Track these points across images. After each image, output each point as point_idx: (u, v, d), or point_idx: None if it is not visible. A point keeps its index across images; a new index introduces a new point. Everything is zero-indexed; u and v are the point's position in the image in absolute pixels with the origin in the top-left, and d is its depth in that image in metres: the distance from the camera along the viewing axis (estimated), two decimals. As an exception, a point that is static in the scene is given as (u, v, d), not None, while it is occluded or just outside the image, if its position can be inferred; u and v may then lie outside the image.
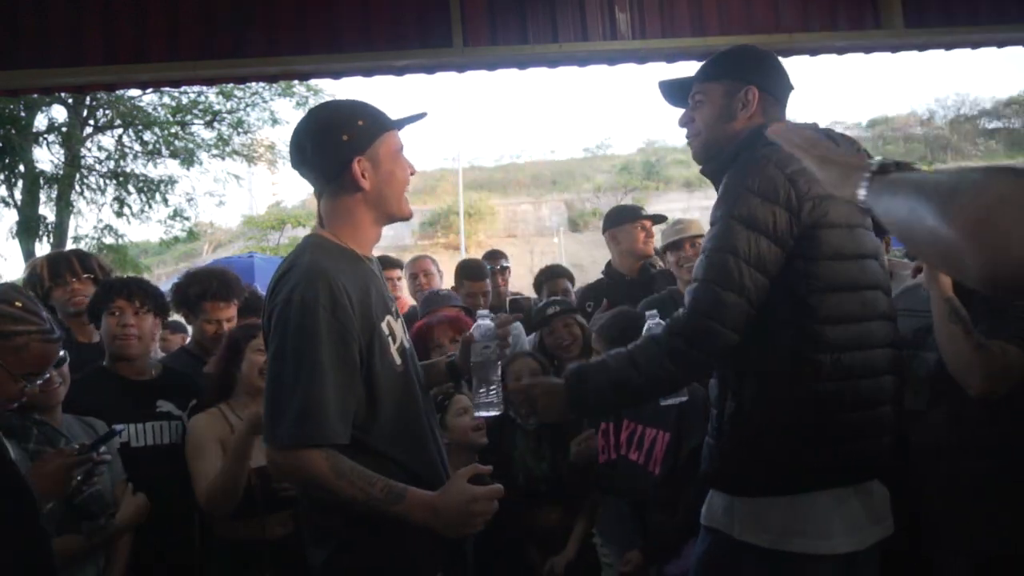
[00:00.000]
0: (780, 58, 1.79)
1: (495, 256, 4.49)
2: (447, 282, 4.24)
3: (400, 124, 1.68)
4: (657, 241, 3.67)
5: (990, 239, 0.70)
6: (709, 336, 1.51)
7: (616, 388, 1.61)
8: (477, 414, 1.95)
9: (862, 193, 1.01)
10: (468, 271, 3.94)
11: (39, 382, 1.63)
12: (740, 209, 1.51)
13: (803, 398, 1.51)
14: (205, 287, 2.79)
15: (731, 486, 1.61)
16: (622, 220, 3.60)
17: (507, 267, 4.43)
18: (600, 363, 1.67)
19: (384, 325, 1.61)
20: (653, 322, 1.89)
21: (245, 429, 2.15)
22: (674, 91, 1.84)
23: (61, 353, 2.02)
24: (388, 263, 4.01)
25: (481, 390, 1.78)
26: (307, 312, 1.46)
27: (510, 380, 2.64)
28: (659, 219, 3.67)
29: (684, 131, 1.80)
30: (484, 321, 1.81)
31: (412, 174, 1.70)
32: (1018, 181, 0.71)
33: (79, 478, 1.81)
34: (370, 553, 1.54)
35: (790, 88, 1.75)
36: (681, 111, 1.82)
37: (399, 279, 4.11)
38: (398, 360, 1.62)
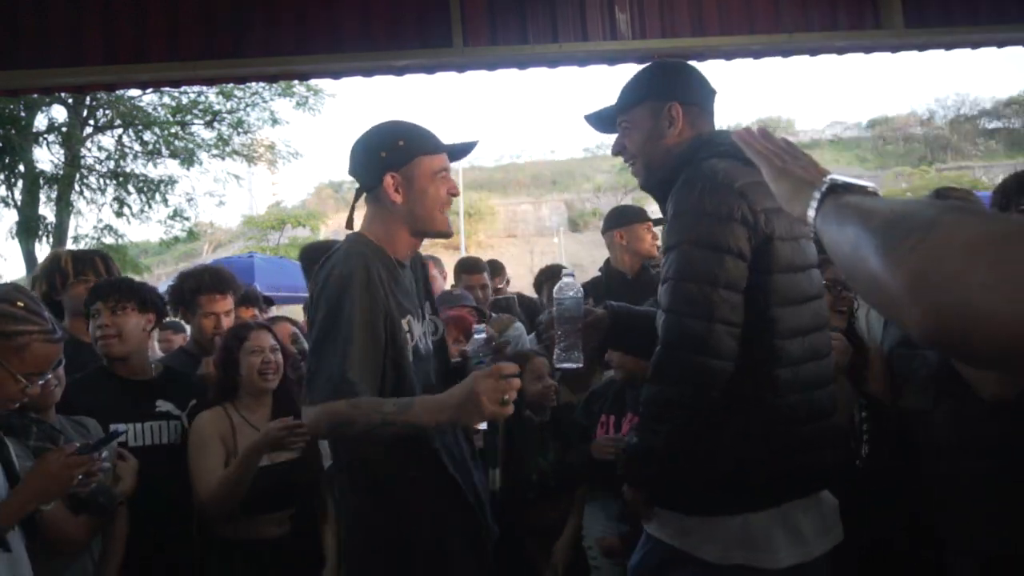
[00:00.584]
0: (697, 64, 1.81)
1: (496, 270, 4.48)
2: (449, 282, 4.26)
3: (445, 148, 1.85)
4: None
5: (928, 296, 0.61)
6: (698, 371, 1.46)
7: (648, 458, 1.58)
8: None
9: (811, 214, 0.97)
10: (465, 266, 4.04)
11: (40, 382, 1.64)
12: (698, 233, 1.49)
13: (762, 413, 1.50)
14: (198, 282, 2.80)
15: (681, 505, 1.57)
16: (631, 220, 3.61)
17: (508, 279, 4.45)
18: (637, 445, 1.61)
19: (404, 322, 1.75)
20: (568, 280, 1.81)
21: (260, 442, 2.16)
22: (601, 122, 1.84)
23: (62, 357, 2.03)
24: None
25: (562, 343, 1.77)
26: (343, 285, 1.66)
27: (528, 379, 2.66)
28: (660, 222, 3.67)
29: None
30: (479, 335, 1.83)
31: (454, 195, 1.84)
32: (970, 224, 0.62)
33: (79, 477, 1.81)
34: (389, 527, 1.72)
35: (712, 94, 1.74)
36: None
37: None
38: (410, 358, 1.74)
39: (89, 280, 2.75)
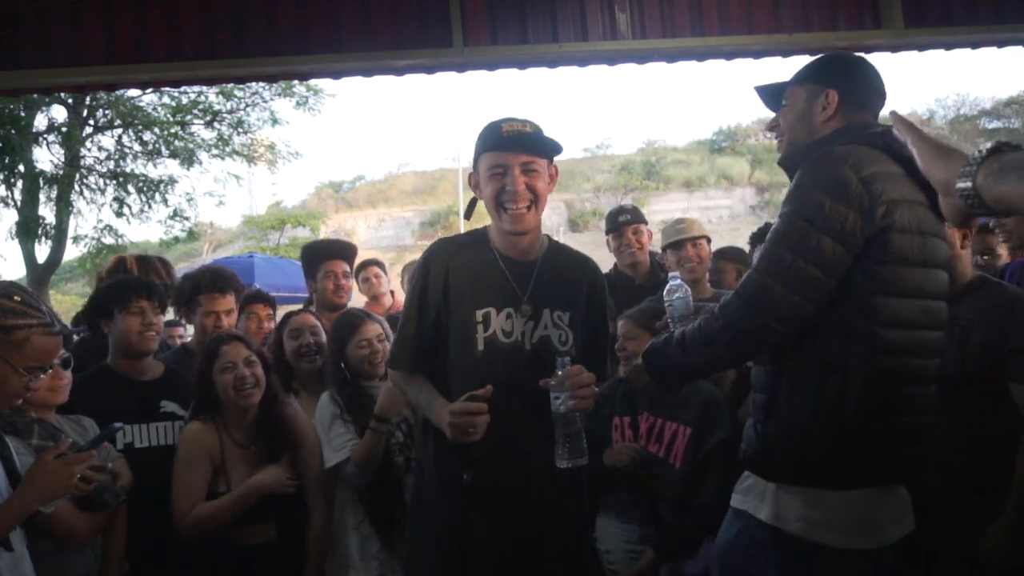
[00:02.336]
0: (870, 59, 1.84)
1: None
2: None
3: (500, 145, 1.90)
4: (657, 241, 3.67)
5: None
6: (759, 330, 1.51)
7: (677, 369, 1.70)
8: (559, 464, 1.78)
9: (978, 179, 1.03)
10: None
11: (43, 376, 1.64)
12: (807, 207, 1.51)
13: (852, 397, 1.50)
14: (198, 281, 2.83)
15: (769, 472, 1.60)
16: (608, 228, 3.66)
17: None
18: (662, 344, 1.72)
19: (480, 313, 1.89)
20: (675, 283, 1.91)
21: (253, 488, 2.23)
22: (769, 96, 1.87)
23: (65, 355, 2.03)
24: (368, 263, 4.43)
25: (559, 442, 1.76)
26: (415, 272, 2.01)
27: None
28: (627, 224, 3.61)
29: (764, 127, 1.92)
30: (559, 370, 1.74)
31: (510, 192, 1.87)
32: None
33: (78, 476, 1.81)
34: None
35: (880, 95, 1.73)
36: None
37: (376, 277, 4.37)
38: (480, 346, 1.88)
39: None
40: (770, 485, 1.59)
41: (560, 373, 1.74)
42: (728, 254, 3.85)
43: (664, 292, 1.90)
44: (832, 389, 1.51)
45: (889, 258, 1.50)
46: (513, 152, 1.88)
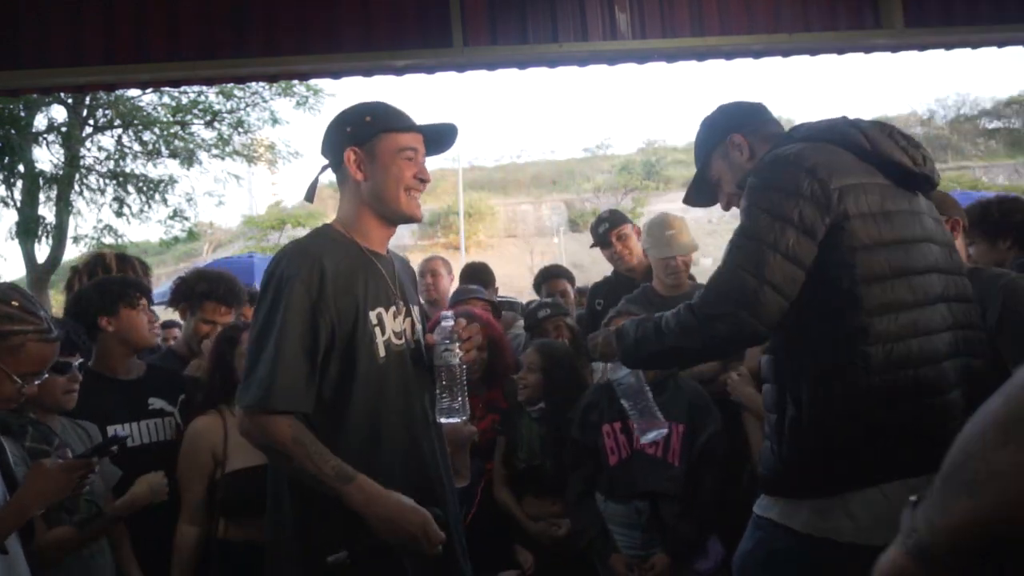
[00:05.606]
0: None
1: (487, 283, 4.45)
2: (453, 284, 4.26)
3: (417, 128, 1.78)
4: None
5: None
6: (735, 324, 1.50)
7: (649, 354, 1.68)
8: (439, 419, 1.76)
9: None
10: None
11: (37, 382, 1.63)
12: (766, 202, 1.52)
13: (858, 393, 1.47)
14: (212, 287, 2.81)
15: (793, 491, 1.56)
16: (595, 243, 3.70)
17: (497, 290, 4.44)
18: (635, 322, 1.72)
19: (374, 315, 1.71)
20: (612, 364, 1.89)
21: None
22: (701, 195, 1.94)
23: (79, 360, 2.03)
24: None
25: (442, 395, 1.73)
26: (284, 286, 1.62)
27: (523, 370, 2.75)
28: (614, 226, 3.65)
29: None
30: (445, 322, 1.75)
31: (421, 179, 1.77)
32: None
33: (78, 480, 1.81)
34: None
35: (759, 107, 1.86)
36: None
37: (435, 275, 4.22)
38: (381, 352, 1.70)
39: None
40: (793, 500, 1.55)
41: (448, 325, 1.74)
42: None
43: (608, 373, 1.90)
44: (841, 389, 1.49)
45: (858, 244, 1.49)
46: (420, 137, 1.80)
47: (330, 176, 1.88)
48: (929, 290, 1.54)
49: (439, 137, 1.86)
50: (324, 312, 1.63)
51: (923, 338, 1.50)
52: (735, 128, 1.79)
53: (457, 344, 1.73)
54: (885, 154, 1.59)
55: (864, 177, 1.55)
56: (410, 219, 1.80)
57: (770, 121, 1.83)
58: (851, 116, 1.70)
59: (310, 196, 1.93)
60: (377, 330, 1.70)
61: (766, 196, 1.53)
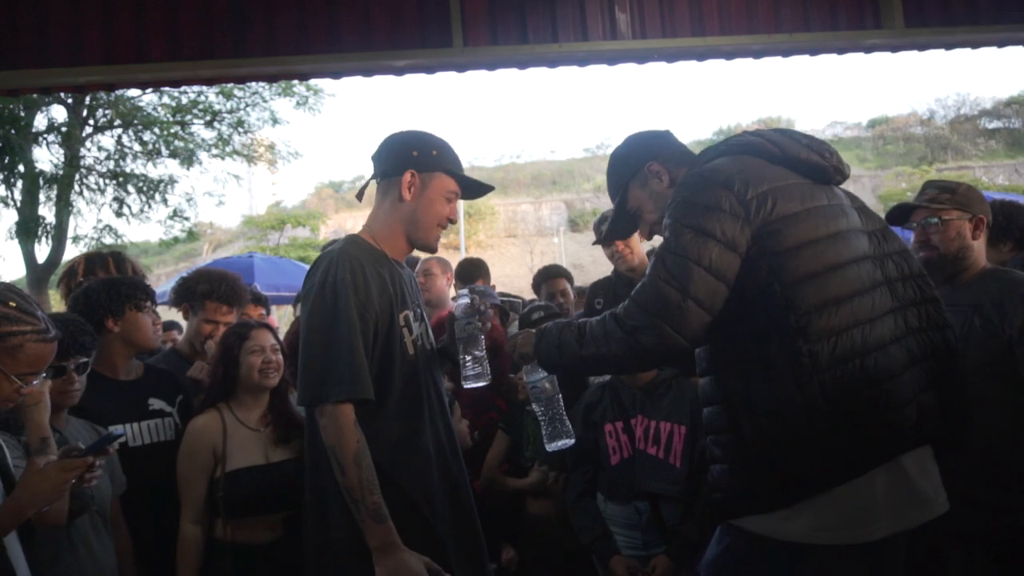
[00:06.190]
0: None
1: (482, 271, 4.49)
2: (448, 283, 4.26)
3: (465, 180, 1.97)
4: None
5: None
6: (658, 338, 1.51)
7: (571, 359, 1.68)
8: (466, 386, 1.96)
9: None
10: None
11: (35, 382, 1.63)
12: (688, 219, 1.54)
13: (811, 393, 1.46)
14: (214, 287, 2.82)
15: (766, 506, 1.53)
16: (596, 241, 3.68)
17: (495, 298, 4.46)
18: (559, 326, 1.73)
19: (401, 317, 1.88)
20: (528, 366, 1.92)
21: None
22: (617, 231, 1.97)
23: (83, 360, 2.03)
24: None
25: (468, 362, 1.92)
26: (341, 288, 1.76)
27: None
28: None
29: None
30: (463, 300, 1.95)
31: (452, 221, 1.98)
32: None
33: (74, 480, 1.81)
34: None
35: (667, 133, 1.90)
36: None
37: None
38: (411, 350, 1.88)
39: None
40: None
41: (465, 301, 1.94)
42: None
43: (524, 374, 1.94)
44: (796, 393, 1.47)
45: (787, 246, 1.51)
46: (463, 194, 2.01)
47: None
48: (864, 278, 1.54)
49: (475, 190, 2.03)
50: (369, 313, 1.79)
51: (865, 326, 1.50)
52: (650, 157, 1.83)
53: (476, 316, 1.93)
54: (793, 154, 1.64)
55: (780, 180, 1.58)
56: (429, 250, 1.98)
57: (679, 146, 1.88)
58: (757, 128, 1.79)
59: (360, 196, 2.17)
60: (406, 331, 1.88)
61: (688, 212, 1.55)
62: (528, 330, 1.83)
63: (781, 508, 1.50)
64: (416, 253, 2.68)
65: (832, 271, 1.51)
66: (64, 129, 12.61)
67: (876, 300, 1.54)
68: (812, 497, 1.47)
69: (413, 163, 1.90)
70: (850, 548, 1.48)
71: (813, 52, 4.04)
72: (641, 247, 3.55)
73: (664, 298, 1.50)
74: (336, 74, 3.93)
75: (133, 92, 12.30)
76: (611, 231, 1.97)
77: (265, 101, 13.78)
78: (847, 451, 1.47)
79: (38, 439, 1.81)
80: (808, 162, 1.64)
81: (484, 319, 1.95)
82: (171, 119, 13.48)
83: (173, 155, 13.53)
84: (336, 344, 1.73)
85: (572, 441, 1.98)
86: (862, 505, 1.47)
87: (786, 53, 4.04)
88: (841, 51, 4.06)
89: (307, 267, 2.59)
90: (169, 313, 3.76)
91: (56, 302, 12.50)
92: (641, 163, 1.84)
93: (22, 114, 11.81)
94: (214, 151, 14.03)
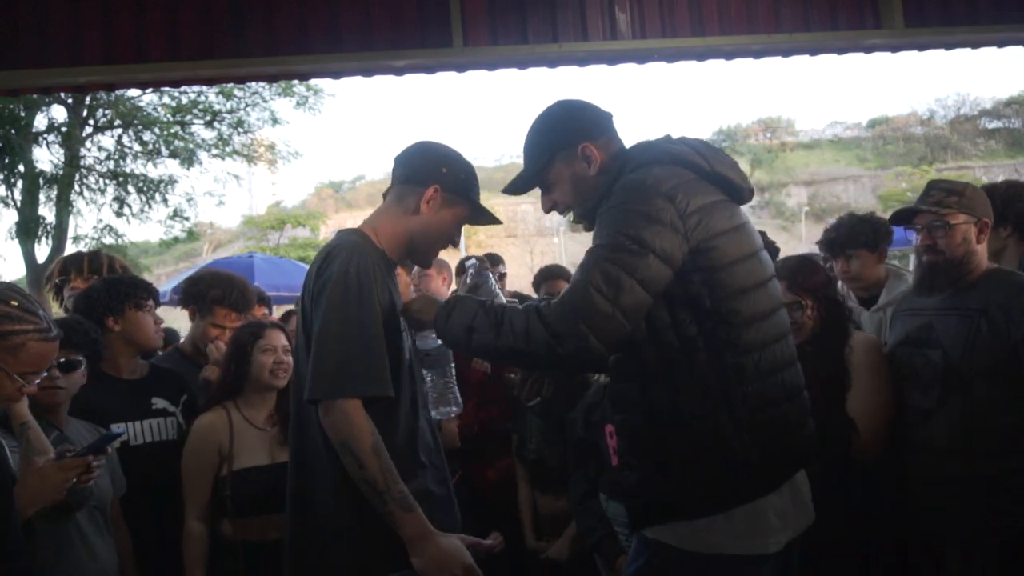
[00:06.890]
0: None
1: (494, 261, 4.52)
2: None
3: (483, 210, 1.93)
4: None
5: None
6: (577, 343, 1.47)
7: (480, 344, 1.60)
8: (433, 414, 1.85)
9: None
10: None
11: (37, 381, 1.63)
12: (627, 228, 1.51)
13: (735, 404, 1.50)
14: (225, 292, 2.80)
15: (688, 513, 1.53)
16: None
17: (504, 273, 4.47)
18: (475, 305, 1.63)
19: (401, 315, 1.82)
20: (471, 262, 1.97)
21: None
22: (524, 186, 1.89)
23: (77, 358, 2.03)
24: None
25: (433, 391, 1.82)
26: (364, 280, 1.66)
27: None
28: None
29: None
30: (471, 267, 1.90)
31: (454, 244, 1.95)
32: None
33: (73, 480, 1.81)
34: None
35: (609, 116, 1.79)
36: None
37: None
38: (406, 354, 1.81)
39: (72, 280, 2.90)
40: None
41: (480, 274, 1.90)
42: None
43: (417, 340, 1.88)
44: (722, 405, 1.50)
45: (722, 262, 1.52)
46: (470, 219, 1.97)
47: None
48: (776, 297, 1.63)
49: (481, 218, 1.98)
50: (387, 308, 1.74)
51: (782, 343, 1.59)
52: (587, 137, 1.72)
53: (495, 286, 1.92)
54: (721, 172, 1.64)
55: (711, 196, 1.59)
56: (424, 265, 1.96)
57: (614, 133, 1.78)
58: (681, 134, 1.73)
59: (386, 196, 2.08)
60: (404, 333, 1.82)
61: (629, 221, 1.51)
62: (428, 295, 1.81)
63: (701, 517, 1.51)
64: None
65: (759, 287, 1.57)
66: (64, 129, 12.63)
67: (783, 319, 1.64)
68: (729, 511, 1.49)
69: (440, 179, 1.81)
70: (756, 556, 1.51)
71: (813, 52, 4.04)
72: None
73: (593, 306, 1.46)
74: (336, 74, 3.93)
75: (133, 92, 12.31)
76: (514, 187, 1.90)
77: (265, 101, 13.81)
78: (768, 463, 1.52)
79: (18, 425, 1.82)
80: (731, 181, 1.65)
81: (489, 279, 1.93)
82: (171, 119, 13.49)
83: (173, 155, 13.55)
84: (361, 336, 1.62)
85: (458, 409, 1.93)
86: (768, 514, 1.52)
87: (786, 53, 4.04)
88: (841, 51, 4.06)
89: (307, 267, 2.58)
90: (169, 313, 3.76)
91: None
92: (575, 140, 1.72)
93: (22, 114, 11.82)
94: (214, 151, 14.05)
